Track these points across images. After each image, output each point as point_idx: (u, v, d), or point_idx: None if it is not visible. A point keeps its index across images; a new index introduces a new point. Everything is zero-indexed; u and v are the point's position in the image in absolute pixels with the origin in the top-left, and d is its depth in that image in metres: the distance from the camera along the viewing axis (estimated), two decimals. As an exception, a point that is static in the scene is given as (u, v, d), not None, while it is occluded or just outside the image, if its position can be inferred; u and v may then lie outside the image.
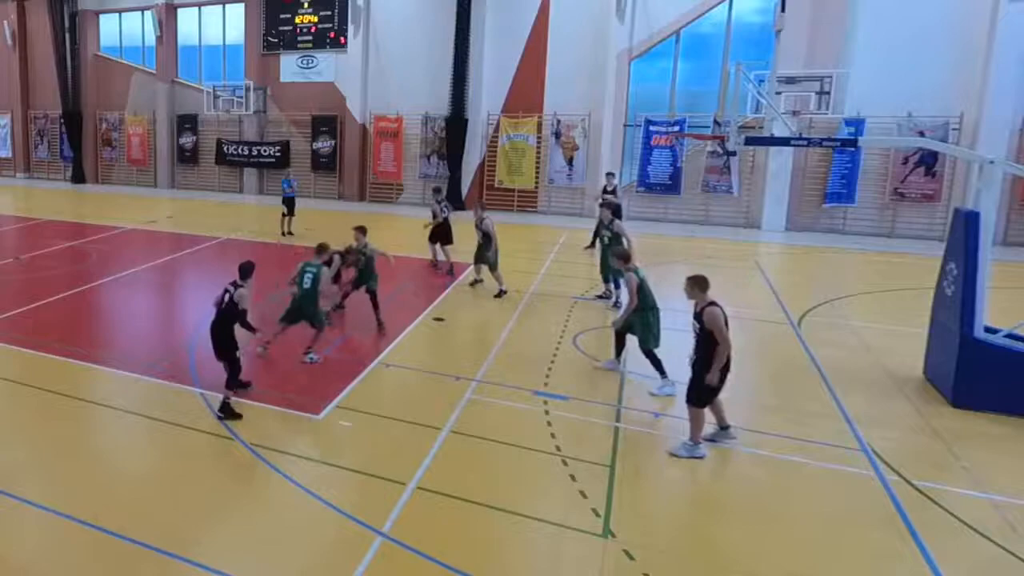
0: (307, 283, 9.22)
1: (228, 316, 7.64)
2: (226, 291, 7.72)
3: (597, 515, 5.87)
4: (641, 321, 8.64)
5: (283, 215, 18.86)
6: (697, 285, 6.93)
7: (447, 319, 11.48)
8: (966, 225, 8.21)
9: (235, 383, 7.77)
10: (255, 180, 28.52)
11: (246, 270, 7.82)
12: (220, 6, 28.87)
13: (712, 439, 7.11)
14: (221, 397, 7.69)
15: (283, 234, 18.57)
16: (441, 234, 14.44)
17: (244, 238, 18.70)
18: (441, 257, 14.46)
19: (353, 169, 26.54)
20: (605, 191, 16.66)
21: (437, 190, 15.48)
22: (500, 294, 12.46)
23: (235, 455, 6.91)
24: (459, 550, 5.42)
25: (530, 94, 23.48)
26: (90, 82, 31.65)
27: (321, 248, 9.73)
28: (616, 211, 13.50)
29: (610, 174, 17.89)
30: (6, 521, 5.85)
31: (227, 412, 7.59)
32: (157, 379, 8.74)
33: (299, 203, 19.46)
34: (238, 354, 7.78)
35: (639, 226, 19.35)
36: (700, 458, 6.80)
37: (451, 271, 14.09)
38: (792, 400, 8.42)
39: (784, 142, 12.57)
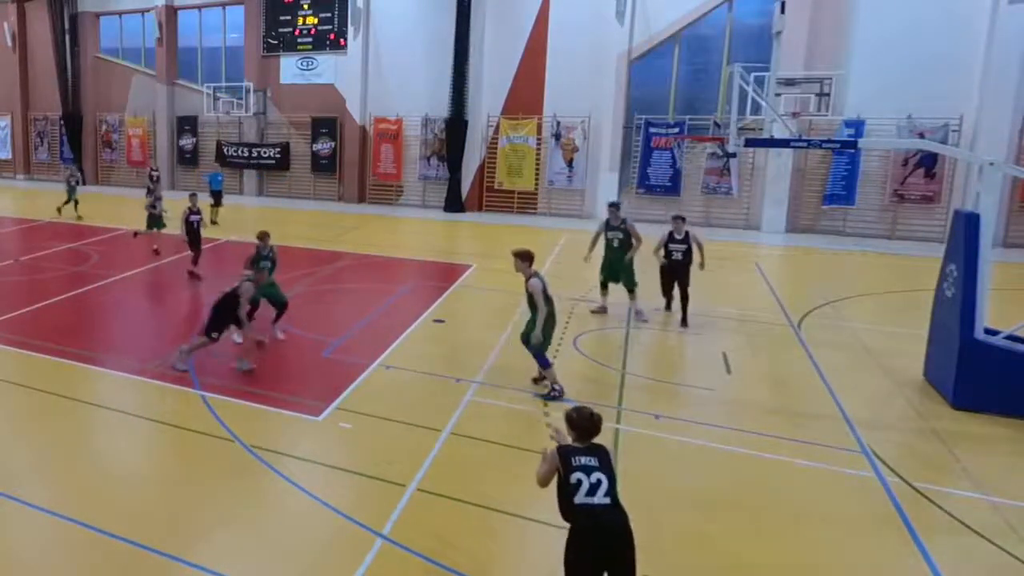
0: None
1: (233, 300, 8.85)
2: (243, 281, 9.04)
3: (597, 517, 5.85)
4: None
5: (211, 206, 20.39)
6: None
7: (447, 320, 11.48)
8: (966, 227, 8.20)
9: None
10: (255, 182, 28.51)
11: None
12: (220, 8, 28.91)
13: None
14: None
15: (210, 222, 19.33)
16: None
17: (243, 239, 18.67)
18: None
19: (353, 171, 26.53)
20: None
21: None
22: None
23: (235, 456, 6.90)
24: (459, 552, 5.41)
25: (530, 96, 23.48)
26: (90, 84, 31.65)
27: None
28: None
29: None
30: (6, 522, 5.84)
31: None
32: (157, 380, 8.74)
33: (299, 203, 19.53)
34: (214, 335, 8.93)
35: (638, 227, 19.32)
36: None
37: None
38: (792, 401, 8.42)
39: (784, 144, 12.58)
